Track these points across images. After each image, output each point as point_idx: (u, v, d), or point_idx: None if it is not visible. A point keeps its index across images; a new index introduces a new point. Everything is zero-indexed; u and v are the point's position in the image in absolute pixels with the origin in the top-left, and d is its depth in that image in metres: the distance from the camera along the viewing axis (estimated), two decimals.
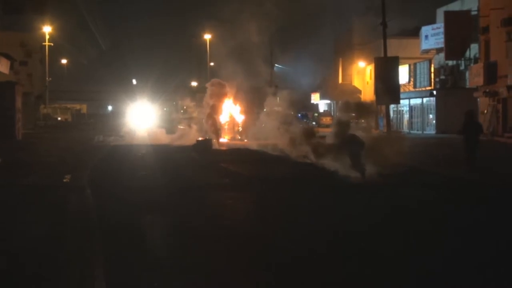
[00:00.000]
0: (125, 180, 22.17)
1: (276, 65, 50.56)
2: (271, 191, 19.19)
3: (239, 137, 46.26)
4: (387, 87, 39.32)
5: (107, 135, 52.13)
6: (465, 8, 58.67)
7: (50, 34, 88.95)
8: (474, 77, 52.94)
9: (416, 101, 67.41)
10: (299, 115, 69.46)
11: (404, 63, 64.42)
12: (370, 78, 73.15)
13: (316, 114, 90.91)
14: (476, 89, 53.31)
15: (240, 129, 46.80)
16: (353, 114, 26.54)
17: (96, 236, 12.59)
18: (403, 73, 63.94)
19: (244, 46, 44.71)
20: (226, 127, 46.44)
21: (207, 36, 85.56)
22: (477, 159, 23.20)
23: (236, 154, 33.02)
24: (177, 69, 49.70)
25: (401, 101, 59.44)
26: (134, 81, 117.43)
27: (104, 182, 21.69)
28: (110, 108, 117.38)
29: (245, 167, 26.16)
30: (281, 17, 49.09)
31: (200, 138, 37.36)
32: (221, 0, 45.10)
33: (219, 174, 23.92)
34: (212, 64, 47.06)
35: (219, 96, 45.32)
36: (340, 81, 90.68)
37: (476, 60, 55.88)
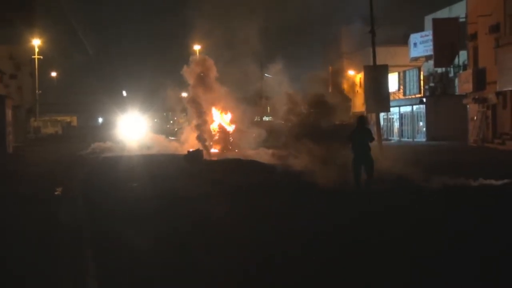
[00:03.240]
0: (119, 191, 22.24)
1: (266, 75, 50.56)
2: (263, 200, 19.25)
3: (230, 147, 46.27)
4: (377, 95, 39.44)
5: (103, 144, 52.57)
6: (453, 15, 58.97)
7: (39, 47, 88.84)
8: (463, 84, 53.16)
9: (406, 109, 67.62)
10: None
11: (393, 71, 64.68)
12: (360, 87, 73.30)
13: None
14: (465, 96, 53.53)
15: (231, 139, 46.82)
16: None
17: (87, 246, 12.64)
18: (393, 81, 64.19)
19: (234, 56, 44.81)
20: (216, 137, 46.45)
21: (197, 47, 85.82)
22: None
23: (227, 164, 33.01)
24: (168, 80, 49.89)
25: (391, 109, 59.65)
26: (124, 93, 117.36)
27: (96, 194, 21.72)
28: (100, 120, 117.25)
29: (236, 177, 26.13)
30: (270, 27, 49.21)
31: (191, 149, 37.42)
32: (212, 11, 44.92)
33: (211, 184, 23.94)
34: (202, 74, 47.04)
35: (205, 79, 45.49)
36: (330, 90, 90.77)
37: (465, 67, 56.12)
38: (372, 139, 20.36)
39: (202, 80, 45.73)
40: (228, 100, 46.23)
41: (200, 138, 42.94)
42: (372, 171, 19.70)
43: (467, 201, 18.46)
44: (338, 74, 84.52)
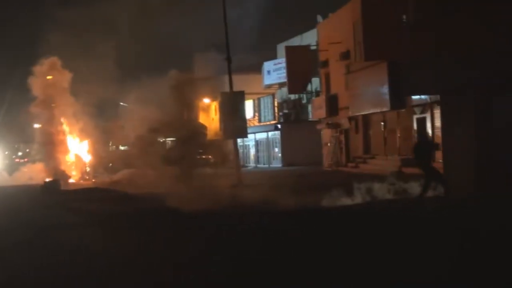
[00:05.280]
0: None
1: (121, 103, 50.10)
2: (120, 227, 19.13)
3: (87, 177, 45.58)
4: (234, 121, 39.81)
5: None
6: (304, 43, 60.24)
7: None
8: (317, 109, 54.34)
9: (261, 135, 68.46)
10: None
11: (248, 98, 65.29)
12: (216, 114, 73.63)
13: None
14: (319, 121, 54.70)
15: (88, 169, 46.13)
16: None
17: None
18: (248, 108, 64.76)
19: (87, 81, 44.05)
20: (73, 167, 45.64)
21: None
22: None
23: (85, 193, 32.53)
24: (20, 106, 48.54)
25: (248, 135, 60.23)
26: None
27: None
28: None
29: (95, 205, 25.86)
30: (122, 55, 48.67)
31: (48, 179, 36.64)
32: (70, 35, 43.92)
33: (70, 213, 23.54)
34: (53, 105, 46.13)
35: (55, 84, 44.47)
36: (185, 117, 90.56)
37: (317, 93, 57.38)
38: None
39: (51, 85, 44.51)
40: (85, 122, 45.43)
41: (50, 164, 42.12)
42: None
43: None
44: (193, 102, 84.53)
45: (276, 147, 65.55)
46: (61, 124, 45.14)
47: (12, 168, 56.45)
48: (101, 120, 48.04)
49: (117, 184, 36.64)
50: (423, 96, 35.52)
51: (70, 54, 44.53)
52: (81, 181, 43.40)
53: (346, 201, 23.20)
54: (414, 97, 36.55)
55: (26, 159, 57.69)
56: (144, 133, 38.80)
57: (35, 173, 49.48)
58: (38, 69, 46.10)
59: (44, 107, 44.60)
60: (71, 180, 43.34)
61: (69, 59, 45.30)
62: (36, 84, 45.40)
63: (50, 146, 44.33)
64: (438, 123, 34.03)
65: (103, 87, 43.50)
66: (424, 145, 23.01)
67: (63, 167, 43.13)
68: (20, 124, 49.16)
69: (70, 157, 45.56)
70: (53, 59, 46.43)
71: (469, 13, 21.13)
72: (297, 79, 57.59)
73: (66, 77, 45.38)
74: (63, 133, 45.31)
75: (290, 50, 59.42)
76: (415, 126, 39.44)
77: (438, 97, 31.77)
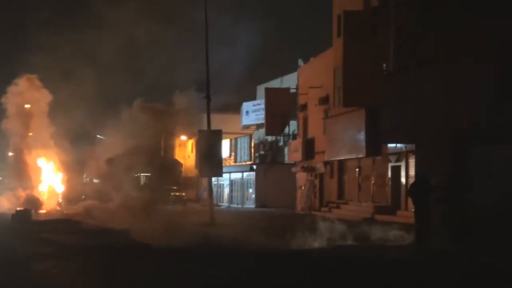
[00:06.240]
0: None
1: (98, 136, 50.05)
2: (91, 260, 18.98)
3: (59, 208, 45.24)
4: (210, 159, 39.73)
5: None
6: (284, 85, 60.46)
7: None
8: (293, 152, 54.48)
9: (236, 175, 68.35)
10: None
11: (226, 138, 65.34)
12: (192, 152, 73.60)
13: None
14: (294, 164, 54.77)
15: (60, 200, 45.79)
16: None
17: None
18: (225, 148, 64.76)
19: (66, 108, 43.81)
20: (45, 197, 45.26)
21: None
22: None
23: (56, 224, 32.26)
24: None
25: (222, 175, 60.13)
26: None
27: None
28: None
29: (66, 237, 25.67)
30: (103, 87, 48.62)
31: (19, 208, 36.33)
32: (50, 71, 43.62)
33: (41, 244, 23.36)
34: (31, 134, 45.88)
35: (32, 104, 43.95)
36: (162, 153, 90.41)
37: (294, 136, 57.50)
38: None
39: (27, 104, 44.04)
40: (60, 148, 45.02)
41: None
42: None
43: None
44: (170, 138, 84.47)
45: (250, 187, 65.43)
46: (35, 147, 44.70)
47: None
48: (77, 151, 47.79)
49: (74, 216, 36.59)
50: (398, 145, 35.73)
51: (49, 78, 44.25)
52: (53, 212, 43.01)
53: (313, 244, 23.16)
54: (390, 145, 36.75)
55: None
56: (116, 163, 38.80)
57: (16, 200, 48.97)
58: (13, 88, 45.63)
59: (18, 124, 44.07)
60: (42, 211, 43.00)
61: (48, 82, 45.05)
62: (11, 103, 44.91)
63: (22, 170, 43.91)
64: (412, 171, 34.30)
65: (80, 117, 43.32)
66: (420, 185, 21.81)
67: (35, 195, 42.74)
68: None
69: (43, 187, 45.26)
70: (31, 76, 45.91)
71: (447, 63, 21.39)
72: (275, 121, 57.71)
73: (45, 97, 44.92)
74: (37, 156, 44.91)
75: (269, 92, 59.64)
76: (389, 174, 39.58)
77: (413, 146, 32.16)
